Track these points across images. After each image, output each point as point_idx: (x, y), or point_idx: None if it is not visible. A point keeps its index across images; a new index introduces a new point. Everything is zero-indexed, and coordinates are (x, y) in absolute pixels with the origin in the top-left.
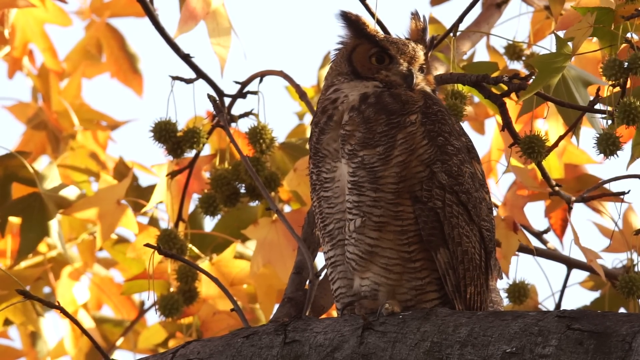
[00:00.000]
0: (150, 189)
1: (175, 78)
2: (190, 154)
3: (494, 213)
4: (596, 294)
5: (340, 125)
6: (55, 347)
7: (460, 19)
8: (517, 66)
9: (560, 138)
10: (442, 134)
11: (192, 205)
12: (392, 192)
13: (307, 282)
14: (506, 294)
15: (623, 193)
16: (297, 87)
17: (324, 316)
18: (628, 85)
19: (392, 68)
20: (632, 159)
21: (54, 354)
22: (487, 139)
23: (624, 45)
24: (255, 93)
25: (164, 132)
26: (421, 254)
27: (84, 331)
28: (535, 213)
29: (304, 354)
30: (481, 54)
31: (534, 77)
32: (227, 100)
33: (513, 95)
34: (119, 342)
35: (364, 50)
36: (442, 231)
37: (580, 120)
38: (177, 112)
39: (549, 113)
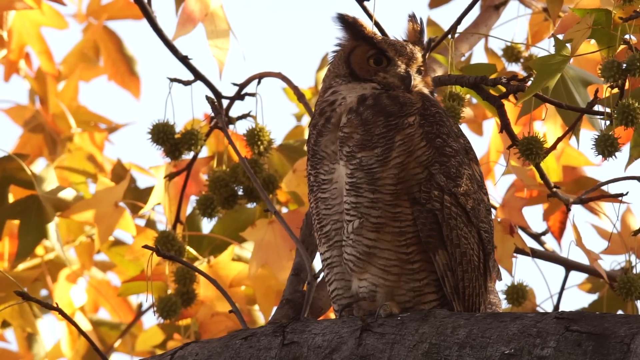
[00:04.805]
0: (148, 191)
1: (173, 80)
2: (188, 156)
3: (492, 215)
4: (594, 297)
5: (338, 128)
6: (51, 350)
7: (459, 21)
8: (515, 68)
9: (559, 139)
10: (440, 136)
11: (189, 207)
12: (390, 193)
13: (306, 284)
14: (505, 296)
15: (621, 195)
16: (296, 89)
17: (322, 317)
18: (626, 86)
19: (390, 70)
20: (630, 160)
21: (50, 357)
22: (485, 140)
23: (622, 46)
24: (253, 95)
25: (162, 134)
26: (419, 255)
27: (83, 333)
28: (534, 215)
29: (303, 355)
30: (479, 56)
31: (532, 78)
32: (225, 102)
33: (512, 96)
34: (116, 345)
35: (362, 52)
36: (440, 233)
37: (580, 121)
38: (175, 114)
39: (547, 114)
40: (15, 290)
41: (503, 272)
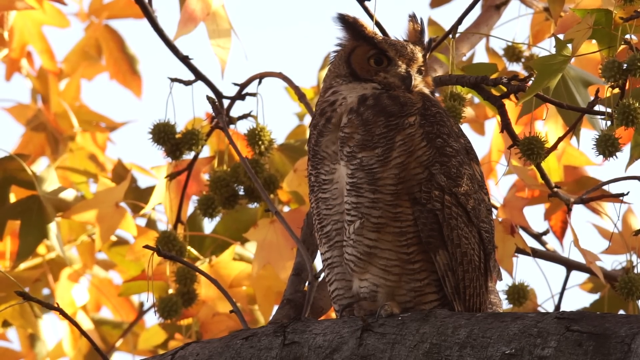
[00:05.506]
0: (149, 190)
1: (174, 80)
2: (189, 156)
3: (493, 215)
4: (595, 296)
5: (338, 128)
6: (54, 349)
7: (460, 21)
8: (517, 68)
9: (560, 139)
10: (440, 136)
11: (191, 207)
12: (390, 193)
13: (306, 284)
14: (506, 296)
15: (622, 194)
16: (296, 89)
17: (323, 317)
18: (627, 86)
19: (390, 70)
20: (631, 160)
21: (52, 356)
22: (486, 140)
23: (623, 46)
24: (254, 95)
25: (163, 134)
26: (420, 255)
27: (83, 333)
28: (535, 215)
29: (303, 355)
30: (480, 56)
31: (533, 78)
32: (226, 102)
33: (512, 96)
34: (118, 344)
35: (363, 52)
36: (441, 233)
37: (580, 121)
38: (176, 114)
39: (548, 114)
40: (16, 291)
41: (504, 272)
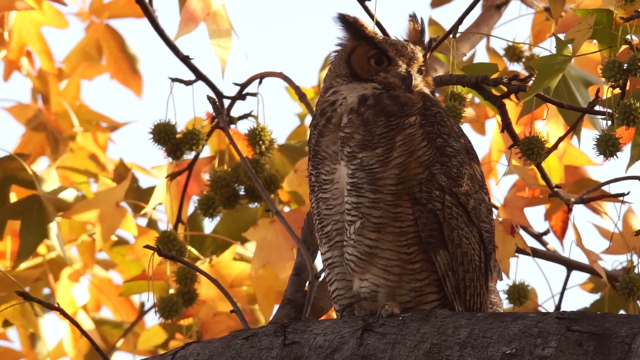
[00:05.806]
0: (150, 190)
1: (174, 80)
2: (189, 156)
3: (494, 214)
4: (596, 296)
5: (339, 128)
6: (54, 349)
7: (460, 21)
8: (517, 68)
9: (560, 139)
10: (441, 136)
11: (191, 206)
12: (391, 193)
13: (307, 284)
14: (506, 296)
15: (623, 194)
16: (297, 89)
17: (323, 317)
18: (628, 86)
19: (390, 70)
20: (632, 160)
21: (53, 355)
22: (487, 140)
23: (623, 46)
24: (254, 95)
25: (164, 134)
26: (420, 255)
27: (84, 332)
28: (536, 214)
29: (304, 355)
30: (481, 56)
31: (533, 78)
32: (226, 102)
33: (513, 96)
34: (118, 344)
35: (363, 52)
36: (441, 233)
37: (581, 121)
38: (176, 114)
39: (549, 114)
40: (17, 290)
41: (503, 272)
